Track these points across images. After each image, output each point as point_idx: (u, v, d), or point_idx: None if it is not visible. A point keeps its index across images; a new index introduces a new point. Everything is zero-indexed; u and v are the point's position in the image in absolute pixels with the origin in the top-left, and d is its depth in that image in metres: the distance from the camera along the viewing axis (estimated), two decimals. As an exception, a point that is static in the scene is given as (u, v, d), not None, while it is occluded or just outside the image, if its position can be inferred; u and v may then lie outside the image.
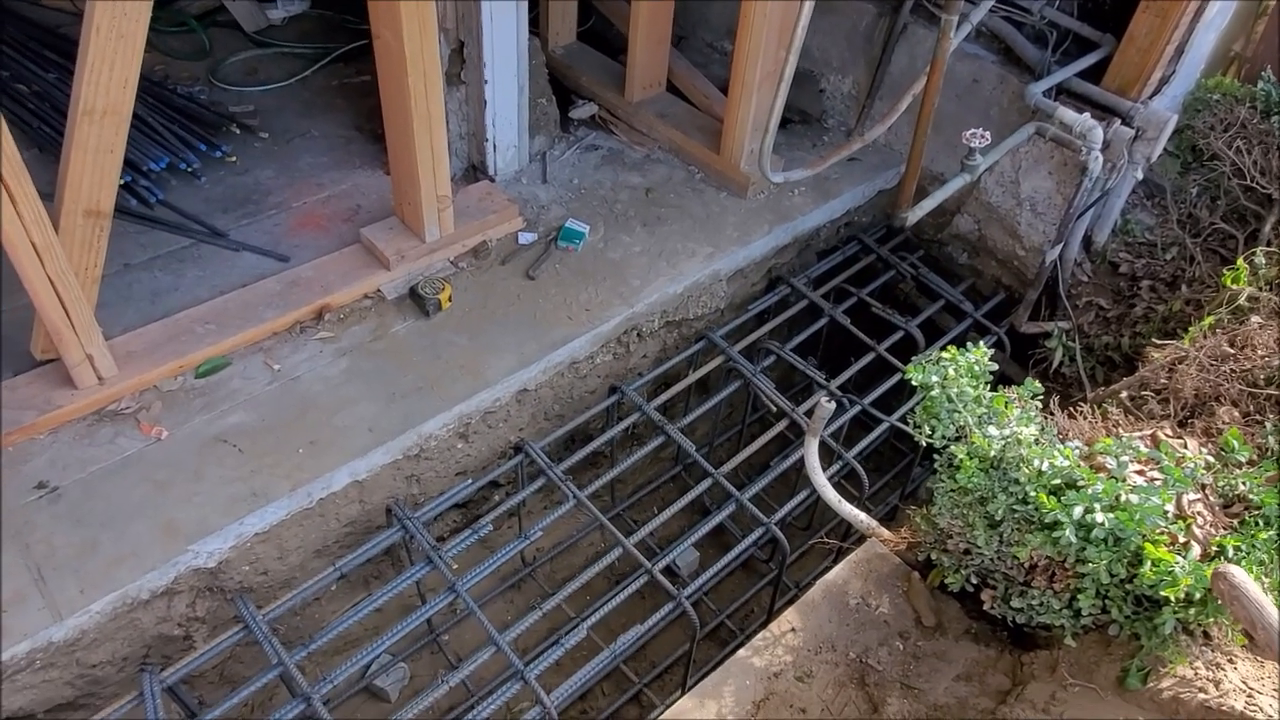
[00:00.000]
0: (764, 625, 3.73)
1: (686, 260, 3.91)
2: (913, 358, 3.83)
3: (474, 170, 4.19)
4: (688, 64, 4.87)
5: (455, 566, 2.98)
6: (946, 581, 2.61)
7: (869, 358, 3.93)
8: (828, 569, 3.96)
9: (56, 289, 2.74)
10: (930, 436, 2.51)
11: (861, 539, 3.12)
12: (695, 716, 2.47)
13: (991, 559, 2.44)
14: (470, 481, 3.26)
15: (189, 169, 3.94)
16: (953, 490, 2.48)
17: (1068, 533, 2.17)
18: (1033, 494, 2.28)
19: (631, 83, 4.56)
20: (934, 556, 2.67)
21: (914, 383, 2.57)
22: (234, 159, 4.09)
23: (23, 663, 2.53)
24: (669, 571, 3.27)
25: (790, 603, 3.88)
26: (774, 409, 3.64)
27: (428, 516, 3.11)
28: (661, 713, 2.54)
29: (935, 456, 2.58)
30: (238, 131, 4.24)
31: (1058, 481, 2.28)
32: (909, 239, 4.63)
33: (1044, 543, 2.25)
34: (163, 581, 2.72)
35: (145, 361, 3.13)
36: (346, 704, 3.53)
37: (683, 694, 3.47)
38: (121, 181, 3.43)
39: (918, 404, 2.68)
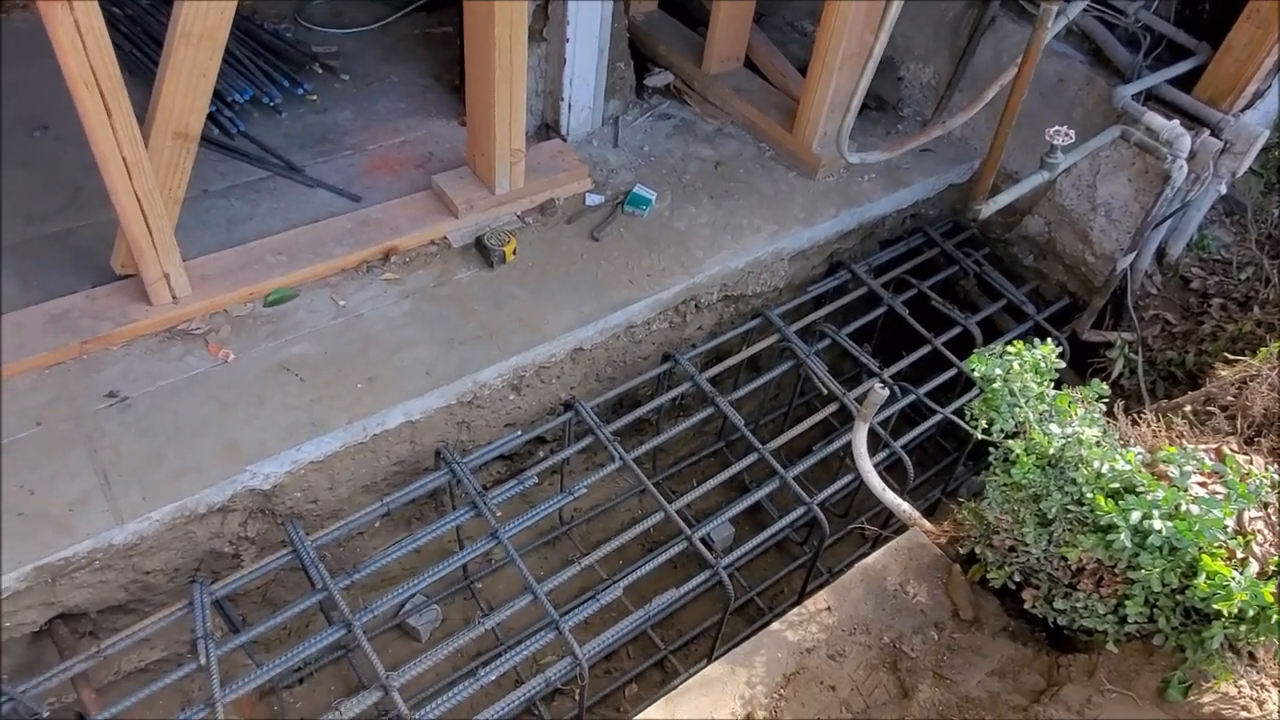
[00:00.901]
0: (796, 603, 3.76)
1: (751, 236, 3.90)
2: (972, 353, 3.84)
3: (546, 128, 4.21)
4: (767, 40, 4.83)
5: (499, 514, 3.03)
6: (988, 577, 2.60)
7: (924, 350, 3.90)
8: (862, 557, 3.98)
9: (142, 205, 2.82)
10: (987, 430, 2.49)
11: (900, 529, 3.12)
12: (726, 682, 2.49)
13: (1038, 558, 2.43)
14: (519, 433, 3.30)
15: (271, 103, 4.01)
16: (1006, 485, 2.46)
17: (1122, 537, 2.15)
18: (1089, 495, 2.25)
19: (710, 55, 4.53)
20: (978, 551, 2.66)
21: (976, 375, 2.55)
22: (314, 98, 4.15)
23: (83, 561, 2.63)
24: (703, 544, 3.29)
25: (821, 586, 3.92)
26: (824, 391, 3.63)
27: (475, 463, 3.16)
28: (690, 676, 2.58)
29: (990, 451, 2.56)
30: (320, 71, 4.29)
31: (1116, 485, 2.26)
32: (974, 236, 4.58)
33: (1096, 545, 2.24)
34: (220, 498, 2.80)
35: (217, 285, 3.21)
36: (378, 639, 3.61)
37: (709, 663, 3.53)
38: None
39: (974, 397, 2.66)
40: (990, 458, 2.54)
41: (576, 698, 3.61)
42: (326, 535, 2.93)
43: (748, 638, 3.75)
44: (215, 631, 2.66)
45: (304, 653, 2.65)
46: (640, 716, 2.40)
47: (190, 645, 3.29)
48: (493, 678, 2.69)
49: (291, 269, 3.33)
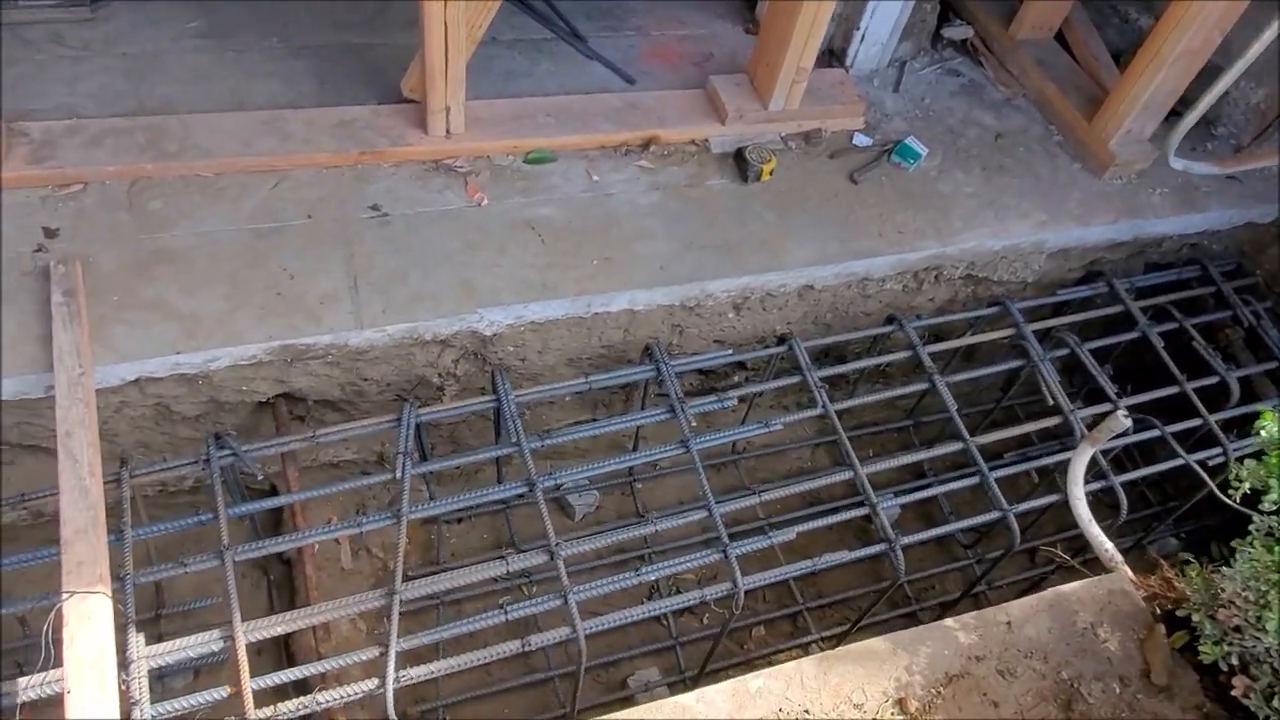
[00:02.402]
0: (953, 604, 3.61)
1: (1015, 220, 3.63)
2: (1221, 410, 3.47)
3: (830, 55, 4.02)
4: (1086, 18, 4.40)
5: (694, 424, 3.01)
6: (1199, 650, 2.38)
7: (1169, 390, 3.56)
8: (1036, 582, 3.77)
9: (447, 34, 2.88)
10: (1260, 500, 2.24)
11: (1088, 564, 2.91)
12: (885, 660, 2.42)
13: (1271, 649, 2.19)
14: (729, 352, 3.26)
15: (570, -34, 4.00)
16: (1261, 563, 2.22)
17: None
18: (1365, 603, 1.99)
19: (1022, 18, 4.17)
20: (1194, 618, 2.43)
21: (1263, 434, 2.28)
22: (611, -30, 4.11)
23: (320, 352, 2.80)
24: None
25: (971, 593, 3.75)
26: (1051, 401, 3.38)
27: (680, 369, 3.14)
28: (842, 642, 2.52)
29: (1254, 517, 2.30)
30: (621, -55, 4.24)
31: (1402, 602, 1.99)
32: (1259, 284, 4.09)
33: (1354, 657, 1.99)
34: (446, 331, 2.91)
35: (487, 132, 3.28)
36: (532, 506, 3.72)
37: (850, 630, 3.46)
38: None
39: (1247, 456, 2.40)
40: (1251, 528, 2.29)
41: (705, 622, 3.66)
42: (527, 395, 3.00)
43: (896, 621, 3.69)
44: (413, 453, 2.80)
45: (491, 497, 2.76)
46: (796, 663, 2.37)
47: (378, 457, 3.52)
48: (652, 578, 2.71)
49: (556, 133, 3.35)
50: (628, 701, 3.37)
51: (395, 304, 2.85)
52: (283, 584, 3.46)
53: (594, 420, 3.77)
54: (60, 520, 2.20)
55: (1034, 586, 3.82)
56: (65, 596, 2.09)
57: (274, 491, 3.40)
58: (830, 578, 3.83)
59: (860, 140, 3.73)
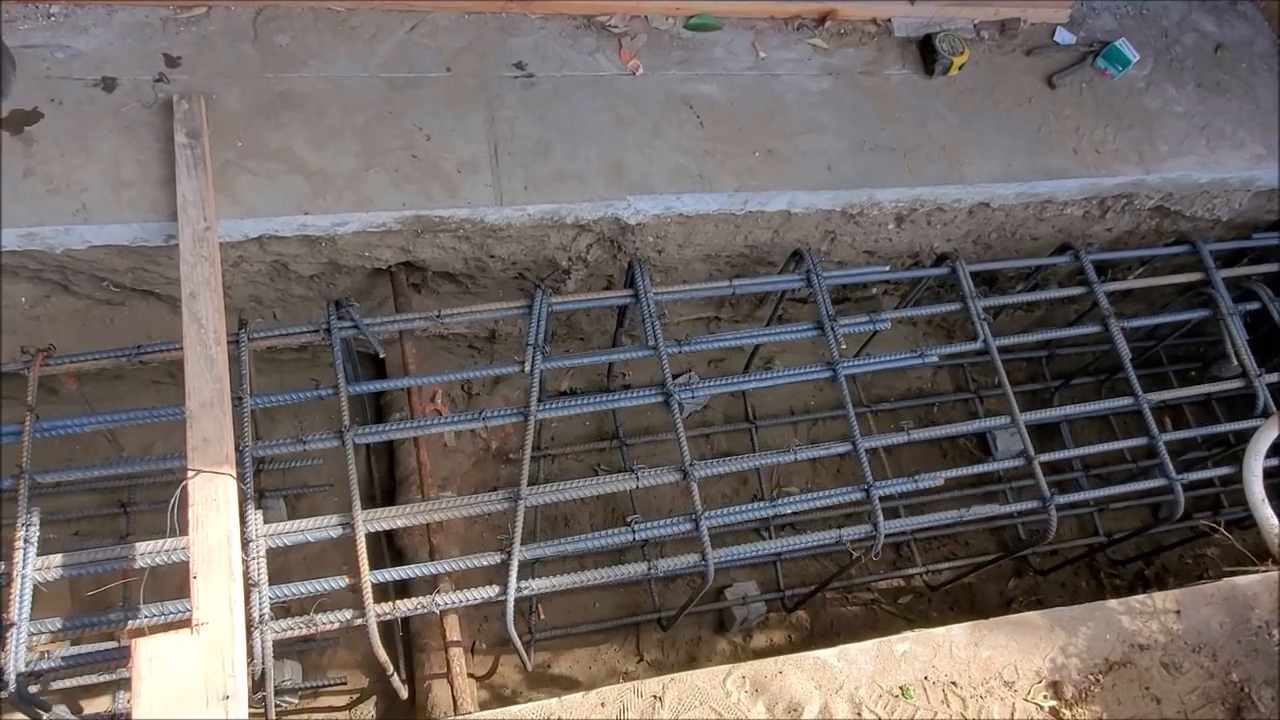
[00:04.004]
0: (1071, 561, 3.38)
1: (1229, 150, 3.17)
2: None
3: (1036, -72, 3.46)
4: (1341, -92, 3.72)
5: (844, 346, 2.73)
6: (1400, 672, 2.15)
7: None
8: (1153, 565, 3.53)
9: None
10: None
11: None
12: (1042, 637, 2.23)
13: None
14: (886, 268, 2.94)
15: None
16: None
17: None
18: None
19: (1268, -98, 3.54)
20: (1396, 638, 2.19)
21: None
22: None
23: (453, 226, 2.56)
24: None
25: (1091, 556, 3.54)
26: (1235, 363, 3.04)
27: (836, 280, 2.83)
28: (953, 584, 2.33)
29: None
30: None
31: None
32: None
33: None
34: (589, 216, 2.64)
35: (647, -14, 2.88)
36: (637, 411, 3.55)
37: (963, 575, 3.27)
38: None
39: None
40: None
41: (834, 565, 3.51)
42: (666, 294, 2.73)
43: (1006, 564, 3.51)
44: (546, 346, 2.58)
45: (623, 403, 2.55)
46: (945, 630, 2.20)
47: (489, 334, 3.33)
48: (788, 510, 2.52)
49: (723, -4, 2.94)
50: (723, 613, 3.27)
51: (538, 181, 2.57)
52: (380, 452, 3.37)
53: (718, 319, 3.53)
54: (185, 390, 2.05)
55: (1153, 553, 3.60)
56: (191, 475, 1.96)
57: (378, 360, 3.27)
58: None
59: (1062, 37, 3.24)
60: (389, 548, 3.07)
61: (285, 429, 3.27)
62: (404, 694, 2.90)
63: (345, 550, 2.22)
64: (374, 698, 3.09)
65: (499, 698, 3.17)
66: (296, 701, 3.04)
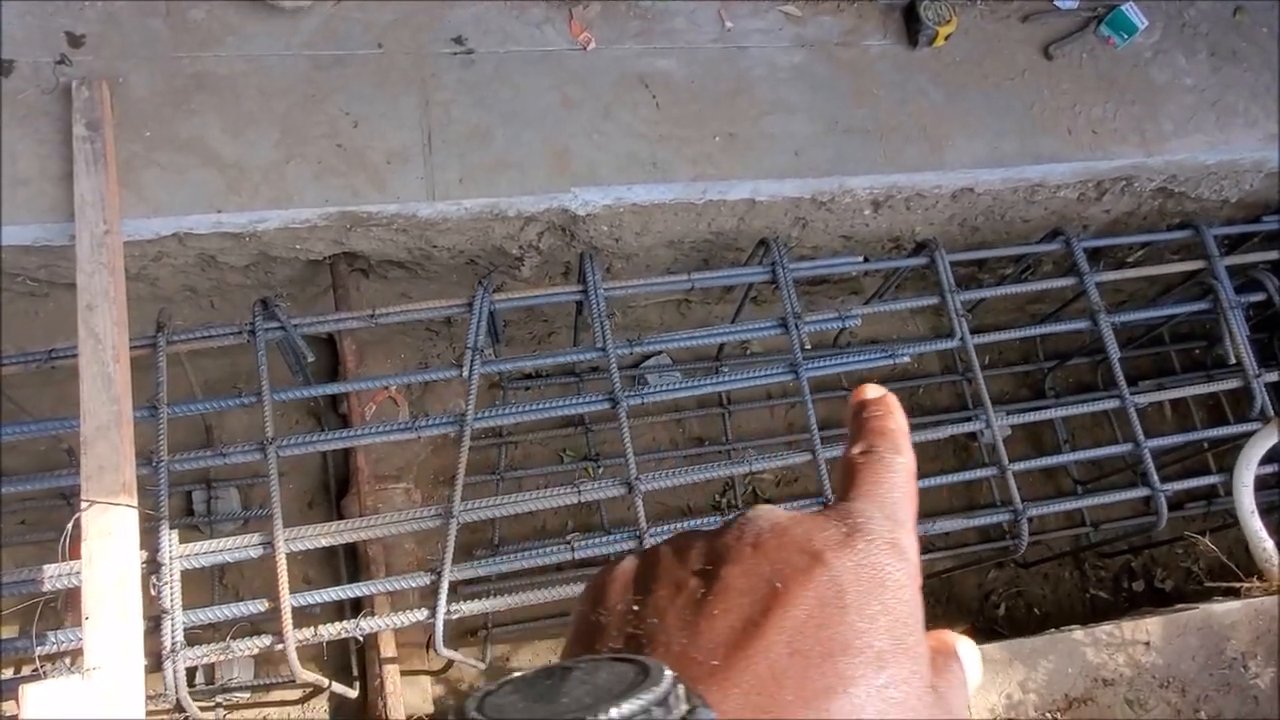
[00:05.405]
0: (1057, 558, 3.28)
1: (1241, 130, 2.92)
2: None
3: (1042, -125, 3.14)
4: None
5: (808, 346, 2.57)
6: (1379, 719, 2.01)
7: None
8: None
9: None
10: None
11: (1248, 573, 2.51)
12: (999, 672, 2.10)
13: None
14: (860, 259, 2.75)
15: None
16: None
17: None
18: None
19: None
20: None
21: None
22: None
23: (385, 220, 2.39)
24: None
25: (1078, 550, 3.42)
26: (1232, 360, 2.84)
27: (804, 273, 2.65)
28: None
29: None
30: None
31: None
32: None
33: None
34: (533, 209, 2.45)
35: (603, -52, 2.63)
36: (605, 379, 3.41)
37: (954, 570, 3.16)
38: None
39: None
40: None
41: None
42: (619, 289, 2.57)
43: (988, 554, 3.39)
44: (485, 349, 2.43)
45: (573, 408, 2.42)
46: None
47: (446, 320, 3.17)
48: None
49: (687, -43, 2.69)
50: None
51: (476, 172, 2.38)
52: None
53: (688, 301, 3.36)
54: (80, 412, 1.92)
55: (1143, 546, 3.47)
56: (85, 506, 1.84)
57: (331, 340, 3.14)
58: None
59: (1063, 2, 2.96)
60: (346, 557, 3.00)
61: (237, 421, 3.17)
62: (353, 694, 2.84)
63: (308, 554, 2.13)
64: (327, 692, 3.04)
65: (456, 692, 3.11)
66: (249, 696, 3.00)
